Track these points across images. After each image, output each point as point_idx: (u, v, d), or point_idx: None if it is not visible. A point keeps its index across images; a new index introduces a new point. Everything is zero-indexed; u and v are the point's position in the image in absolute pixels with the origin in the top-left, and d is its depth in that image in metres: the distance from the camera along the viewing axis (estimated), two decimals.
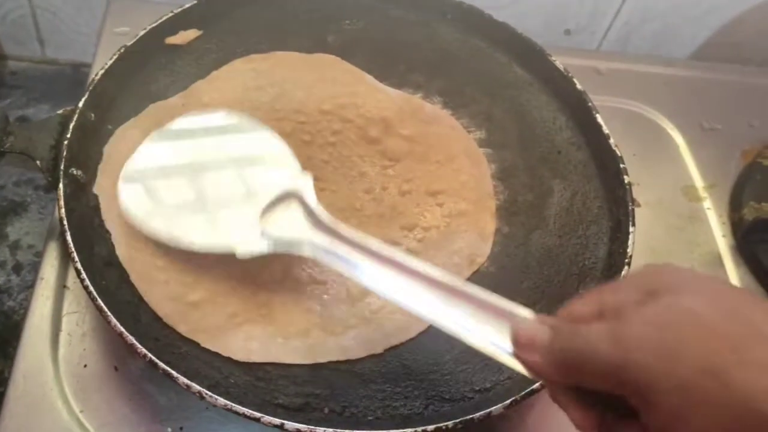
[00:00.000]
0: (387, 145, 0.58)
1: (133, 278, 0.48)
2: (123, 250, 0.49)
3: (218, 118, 0.53)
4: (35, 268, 0.71)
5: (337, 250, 0.43)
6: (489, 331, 0.35)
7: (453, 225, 0.55)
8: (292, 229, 0.45)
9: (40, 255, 0.71)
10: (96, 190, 0.51)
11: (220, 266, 0.49)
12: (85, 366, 0.49)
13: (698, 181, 0.68)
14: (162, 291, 0.47)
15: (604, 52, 0.84)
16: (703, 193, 0.67)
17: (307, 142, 0.56)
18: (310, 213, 0.46)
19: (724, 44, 0.86)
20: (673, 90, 0.75)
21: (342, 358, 0.47)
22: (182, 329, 0.46)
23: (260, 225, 0.46)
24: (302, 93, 0.59)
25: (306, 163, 0.54)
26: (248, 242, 0.45)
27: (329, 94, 0.59)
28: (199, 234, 0.46)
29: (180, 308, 0.47)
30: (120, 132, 0.54)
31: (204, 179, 0.49)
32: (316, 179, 0.53)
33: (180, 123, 0.53)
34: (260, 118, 0.55)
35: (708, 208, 0.66)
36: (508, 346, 0.34)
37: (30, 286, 0.70)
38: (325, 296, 0.49)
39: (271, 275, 0.49)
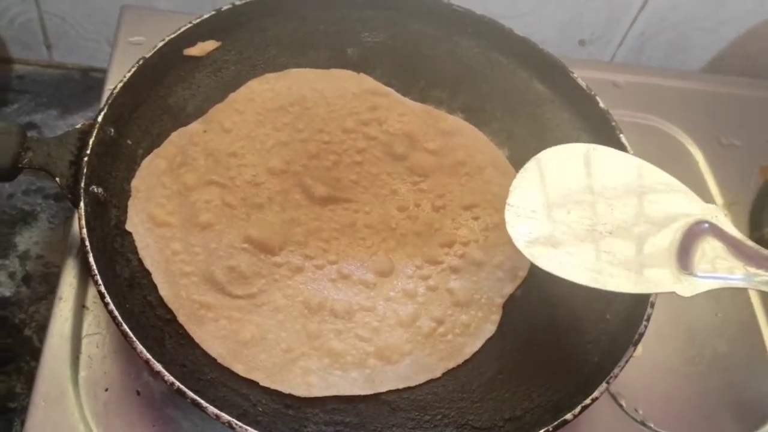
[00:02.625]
0: (414, 161, 0.57)
1: (182, 319, 0.47)
2: (167, 291, 0.48)
3: (583, 149, 0.49)
4: (46, 279, 0.70)
5: None
6: None
7: (491, 238, 0.55)
8: (718, 260, 0.43)
9: (50, 266, 0.71)
10: (129, 227, 0.50)
11: (266, 300, 0.48)
12: (107, 390, 0.49)
13: (718, 199, 0.68)
14: (212, 330, 0.47)
15: (621, 64, 0.83)
16: (723, 211, 0.67)
17: (335, 163, 0.55)
18: (730, 242, 0.44)
19: (738, 56, 0.86)
20: (691, 104, 0.75)
21: (402, 386, 0.47)
22: (239, 369, 0.46)
23: (677, 262, 0.43)
24: (323, 111, 0.58)
25: (335, 185, 0.53)
26: (681, 281, 0.43)
27: (350, 110, 0.59)
28: (622, 274, 0.43)
29: (233, 347, 0.46)
30: (146, 164, 0.53)
31: (600, 213, 0.45)
32: (346, 200, 0.53)
33: (550, 154, 0.48)
34: (284, 139, 0.55)
35: None
36: None
37: (41, 298, 0.69)
38: (376, 323, 0.49)
39: (318, 307, 0.49)
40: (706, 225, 0.44)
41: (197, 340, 0.46)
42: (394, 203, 0.55)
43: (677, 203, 0.46)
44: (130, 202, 0.51)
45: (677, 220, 0.45)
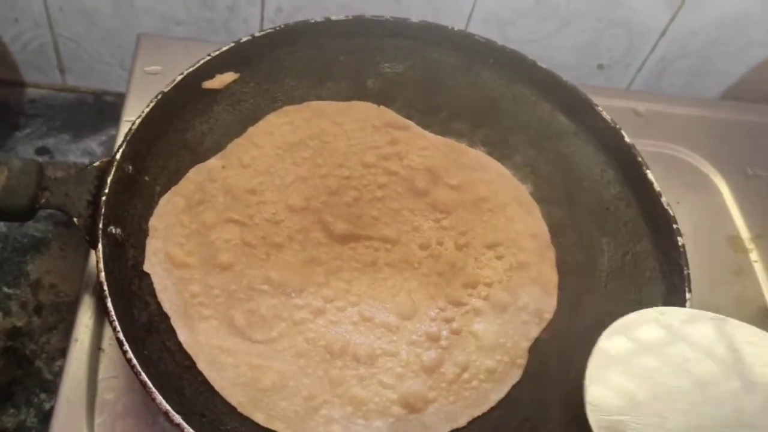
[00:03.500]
0: (436, 197, 0.56)
1: (201, 366, 0.46)
2: (186, 336, 0.47)
3: (652, 315, 0.45)
4: (57, 308, 0.69)
5: None
6: None
7: (515, 278, 0.53)
8: None
9: (62, 295, 0.70)
10: (147, 268, 0.49)
11: (287, 345, 0.48)
12: None
13: (744, 232, 0.67)
14: (232, 378, 0.46)
15: (641, 92, 0.82)
16: (749, 245, 0.66)
17: (356, 199, 0.54)
18: None
19: (761, 82, 0.85)
20: (715, 133, 0.74)
21: None
22: (259, 418, 0.45)
23: None
24: (343, 145, 0.57)
25: (356, 222, 0.52)
26: None
27: (370, 144, 0.58)
28: None
29: (253, 395, 0.45)
30: (164, 202, 0.52)
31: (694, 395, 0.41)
32: (367, 238, 0.51)
33: (620, 328, 0.44)
34: (304, 174, 0.53)
35: (755, 261, 0.65)
36: None
37: (52, 328, 0.68)
38: (399, 369, 0.48)
39: (340, 351, 0.48)
40: None
41: (217, 388, 0.45)
42: (416, 240, 0.54)
43: None
44: (147, 242, 0.50)
45: None
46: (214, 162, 0.55)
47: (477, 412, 0.47)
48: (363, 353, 0.48)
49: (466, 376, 0.48)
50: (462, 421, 0.47)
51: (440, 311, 0.51)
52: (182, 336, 0.47)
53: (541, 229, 0.57)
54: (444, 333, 0.50)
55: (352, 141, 0.58)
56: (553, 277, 0.54)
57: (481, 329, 0.51)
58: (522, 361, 0.50)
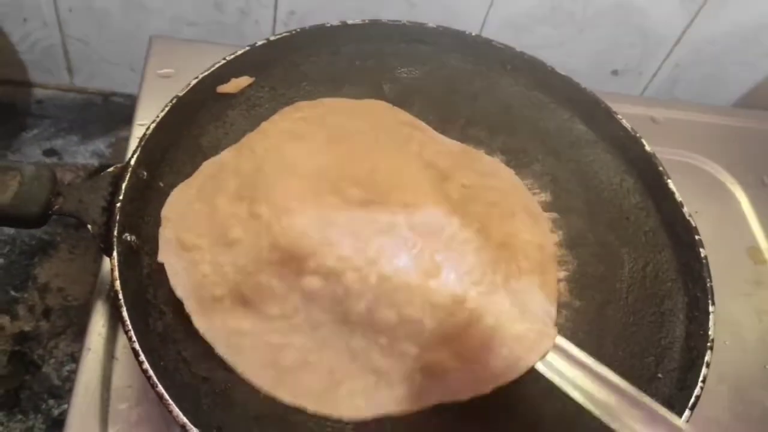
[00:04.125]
0: (448, 190, 0.54)
1: (221, 350, 0.45)
2: (201, 321, 0.46)
3: None
4: (66, 312, 0.68)
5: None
6: None
7: (523, 280, 0.52)
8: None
9: (70, 299, 0.69)
10: (161, 258, 0.48)
11: (303, 318, 0.46)
12: None
13: (763, 243, 0.66)
14: (254, 359, 0.45)
15: (657, 98, 0.81)
16: None
17: (371, 171, 0.52)
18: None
19: None
20: (732, 141, 0.73)
21: (450, 399, 0.46)
22: (285, 397, 0.44)
23: None
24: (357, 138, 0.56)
25: (371, 189, 0.50)
26: None
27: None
28: None
29: (276, 375, 0.45)
30: (176, 193, 0.51)
31: None
32: (382, 203, 0.50)
33: None
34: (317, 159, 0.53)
35: None
36: None
37: (60, 333, 0.67)
38: (422, 335, 0.46)
39: (359, 318, 0.46)
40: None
41: (240, 373, 0.45)
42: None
43: None
44: (160, 232, 0.49)
45: None
46: (226, 153, 0.54)
47: (502, 381, 0.46)
48: (383, 320, 0.46)
49: (490, 344, 0.46)
50: (487, 389, 0.46)
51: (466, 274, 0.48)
52: (198, 322, 0.46)
53: (549, 241, 0.56)
54: (472, 294, 0.47)
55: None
56: (554, 290, 0.53)
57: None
58: (553, 331, 0.48)
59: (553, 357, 0.45)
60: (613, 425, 0.40)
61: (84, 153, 0.79)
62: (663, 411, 0.41)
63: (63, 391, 0.63)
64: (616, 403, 0.41)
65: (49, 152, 0.78)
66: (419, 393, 0.45)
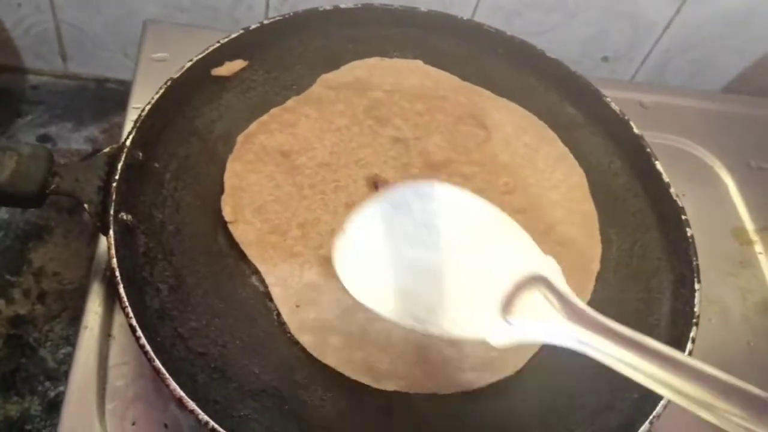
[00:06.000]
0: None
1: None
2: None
3: (433, 190, 0.45)
4: (61, 296, 0.69)
5: (591, 340, 0.38)
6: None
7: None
8: (541, 317, 0.40)
9: (65, 283, 0.69)
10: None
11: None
12: (134, 423, 0.47)
13: (749, 224, 0.67)
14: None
15: (645, 84, 0.82)
16: (754, 237, 0.66)
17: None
18: (558, 299, 0.40)
19: (762, 75, 0.86)
20: (720, 125, 0.74)
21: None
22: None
23: (501, 312, 0.41)
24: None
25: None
26: (497, 331, 0.40)
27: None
28: (443, 320, 0.41)
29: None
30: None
31: (435, 259, 0.43)
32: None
33: (393, 194, 0.45)
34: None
35: (760, 253, 0.65)
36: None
37: (56, 316, 0.68)
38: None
39: None
40: (540, 278, 0.41)
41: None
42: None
43: (515, 251, 0.43)
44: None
45: (513, 270, 0.42)
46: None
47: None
48: None
49: None
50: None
51: None
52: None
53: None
54: None
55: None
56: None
57: None
58: None
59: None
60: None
61: (78, 139, 0.80)
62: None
63: (59, 374, 0.64)
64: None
65: (43, 138, 0.79)
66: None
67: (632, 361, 0.36)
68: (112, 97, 0.82)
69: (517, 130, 0.58)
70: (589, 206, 0.56)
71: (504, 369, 0.48)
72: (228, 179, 0.52)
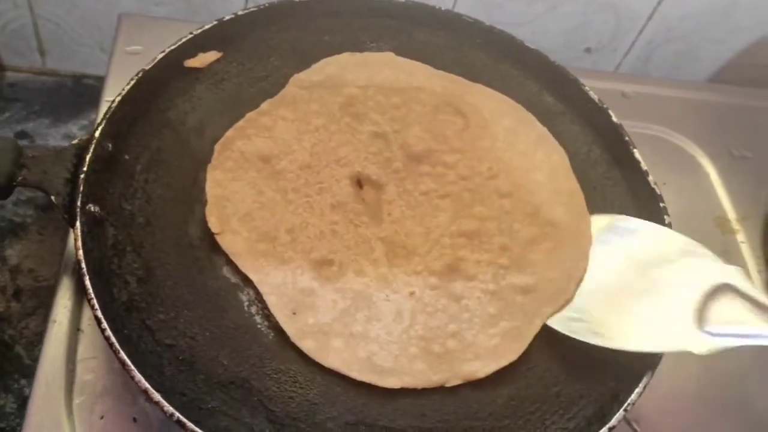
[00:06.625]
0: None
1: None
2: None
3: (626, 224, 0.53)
4: (36, 293, 0.68)
5: None
6: None
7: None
8: (738, 321, 0.44)
9: (41, 280, 0.69)
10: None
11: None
12: (102, 417, 0.47)
13: (730, 213, 0.67)
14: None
15: (628, 74, 0.82)
16: (736, 226, 0.66)
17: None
18: (750, 301, 0.45)
19: (747, 66, 0.85)
20: (702, 115, 0.73)
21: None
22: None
23: (697, 322, 0.45)
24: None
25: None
26: (697, 342, 0.44)
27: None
28: (642, 336, 0.46)
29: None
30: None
31: (637, 284, 0.49)
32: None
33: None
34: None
35: (742, 242, 0.65)
36: None
37: (31, 313, 0.67)
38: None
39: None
40: (728, 286, 0.45)
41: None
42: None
43: (699, 266, 0.47)
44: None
45: (700, 283, 0.46)
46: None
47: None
48: None
49: None
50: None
51: None
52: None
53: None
54: None
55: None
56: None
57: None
58: None
59: None
60: None
61: (56, 135, 0.79)
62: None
63: (34, 371, 0.63)
64: None
65: (21, 135, 0.78)
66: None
67: None
68: (89, 93, 0.82)
69: (494, 115, 0.58)
70: (573, 184, 0.56)
71: (508, 356, 0.48)
72: (210, 189, 0.51)
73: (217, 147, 0.53)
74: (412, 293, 0.49)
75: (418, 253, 0.51)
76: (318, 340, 0.46)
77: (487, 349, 0.47)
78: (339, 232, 0.51)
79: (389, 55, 0.60)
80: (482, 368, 0.47)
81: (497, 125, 0.57)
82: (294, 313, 0.47)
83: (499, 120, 0.58)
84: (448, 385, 0.46)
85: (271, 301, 0.47)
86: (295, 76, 0.58)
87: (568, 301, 0.49)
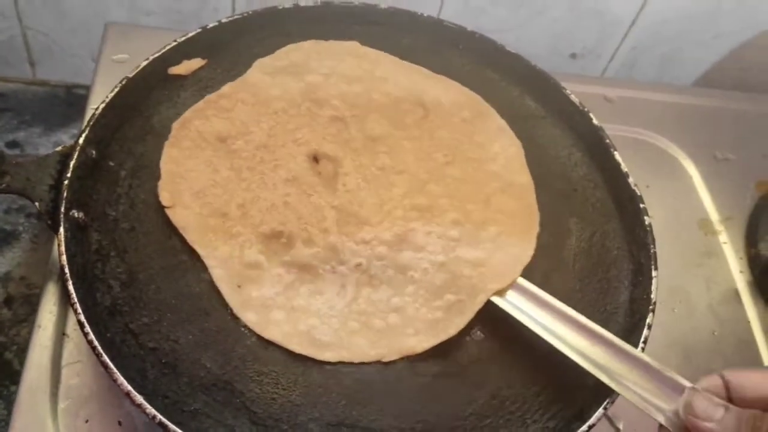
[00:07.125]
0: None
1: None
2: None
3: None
4: (28, 301, 0.68)
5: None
6: (650, 390, 0.42)
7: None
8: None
9: (32, 287, 0.69)
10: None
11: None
12: (87, 421, 0.47)
13: (713, 214, 0.67)
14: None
15: (612, 78, 0.83)
16: (718, 227, 0.66)
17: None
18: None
19: (731, 70, 0.86)
20: (685, 119, 0.74)
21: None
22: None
23: None
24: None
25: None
26: None
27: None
28: None
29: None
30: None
31: None
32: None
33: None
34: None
35: (724, 243, 0.65)
36: (666, 407, 0.41)
37: (22, 321, 0.67)
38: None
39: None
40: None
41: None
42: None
43: None
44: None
45: None
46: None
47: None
48: None
49: None
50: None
51: None
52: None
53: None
54: None
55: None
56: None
57: None
58: None
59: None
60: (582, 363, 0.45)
61: (47, 145, 0.80)
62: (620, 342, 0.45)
63: None
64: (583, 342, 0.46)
65: (12, 144, 0.79)
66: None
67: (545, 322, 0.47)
68: (80, 102, 0.82)
69: (454, 107, 0.59)
70: (526, 177, 0.56)
71: (449, 330, 0.48)
72: (164, 165, 0.52)
73: (175, 126, 0.54)
74: (358, 265, 0.49)
75: (369, 223, 0.51)
76: (259, 312, 0.47)
77: (428, 323, 0.48)
78: (291, 204, 0.51)
79: (354, 44, 0.61)
80: (420, 343, 0.47)
81: (456, 117, 0.58)
82: (239, 287, 0.48)
83: (459, 111, 0.59)
84: (384, 360, 0.47)
85: (216, 274, 0.48)
86: (259, 60, 0.59)
87: (513, 282, 0.50)
